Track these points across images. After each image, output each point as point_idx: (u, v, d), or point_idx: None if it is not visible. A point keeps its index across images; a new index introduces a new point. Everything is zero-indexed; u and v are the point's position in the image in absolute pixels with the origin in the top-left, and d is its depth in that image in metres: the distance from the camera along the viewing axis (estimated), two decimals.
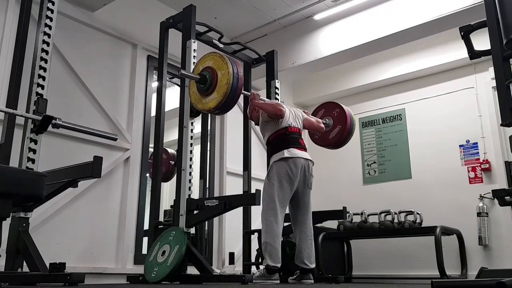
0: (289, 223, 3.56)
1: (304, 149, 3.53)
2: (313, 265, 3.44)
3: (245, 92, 3.64)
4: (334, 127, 4.11)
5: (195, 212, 3.34)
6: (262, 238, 3.32)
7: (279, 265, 3.25)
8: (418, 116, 5.38)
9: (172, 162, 4.78)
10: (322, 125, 3.87)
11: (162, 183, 4.30)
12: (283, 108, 3.52)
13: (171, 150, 4.83)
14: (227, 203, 3.14)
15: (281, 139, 3.47)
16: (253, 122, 4.85)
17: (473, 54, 2.32)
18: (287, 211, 3.46)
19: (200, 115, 3.92)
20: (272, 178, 3.38)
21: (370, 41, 4.59)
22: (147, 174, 4.26)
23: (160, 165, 3.89)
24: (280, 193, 3.35)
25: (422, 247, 4.80)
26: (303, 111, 3.88)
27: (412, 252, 4.97)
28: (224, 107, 3.09)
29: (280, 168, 3.37)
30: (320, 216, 4.16)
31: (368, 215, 4.95)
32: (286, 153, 3.38)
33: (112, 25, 4.17)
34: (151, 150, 4.19)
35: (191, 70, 3.37)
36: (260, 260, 4.13)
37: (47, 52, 2.92)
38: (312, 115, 4.20)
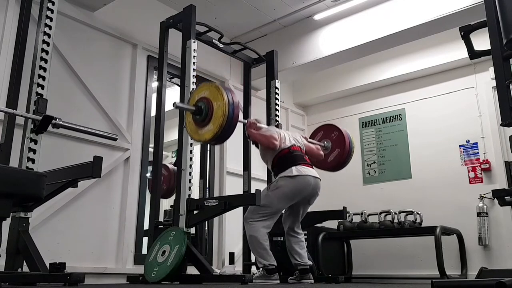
0: None
1: (312, 166, 3.49)
2: (309, 262, 3.49)
3: (242, 121, 3.55)
4: (332, 150, 4.08)
5: (195, 212, 3.33)
6: (250, 245, 3.36)
7: (274, 262, 3.26)
8: (418, 116, 5.38)
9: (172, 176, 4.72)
10: (322, 153, 3.81)
11: (161, 198, 4.31)
12: (276, 140, 3.39)
13: (172, 166, 4.79)
14: (227, 203, 3.14)
15: (286, 157, 3.41)
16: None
17: (473, 54, 2.33)
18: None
19: None
20: (273, 190, 3.34)
21: (370, 41, 4.59)
22: (147, 174, 4.26)
23: (160, 165, 3.90)
24: (277, 207, 3.35)
25: (422, 247, 4.80)
26: (302, 136, 3.83)
27: (412, 252, 4.97)
28: (220, 138, 3.04)
29: (285, 185, 3.31)
30: (320, 216, 4.16)
31: (368, 215, 4.96)
32: (294, 170, 3.32)
33: (112, 25, 4.17)
34: (151, 150, 4.18)
35: (189, 100, 3.30)
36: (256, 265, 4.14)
37: (47, 52, 2.91)
38: (310, 137, 4.21)
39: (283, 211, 3.54)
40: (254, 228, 3.30)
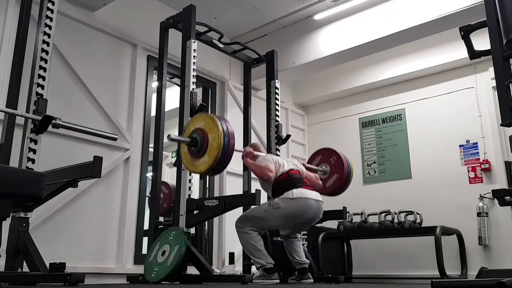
0: None
1: (313, 188, 3.44)
2: (307, 261, 3.50)
3: (238, 150, 3.47)
4: (331, 175, 4.05)
5: (195, 212, 3.34)
6: (243, 247, 3.37)
7: (272, 261, 3.27)
8: (418, 116, 5.38)
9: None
10: (320, 182, 3.74)
11: (161, 217, 4.27)
12: (271, 172, 3.32)
13: (172, 184, 4.71)
14: (227, 203, 3.15)
15: (285, 181, 3.35)
16: (253, 122, 4.88)
17: (473, 54, 2.33)
18: None
19: None
20: (273, 208, 3.28)
21: (370, 41, 4.58)
22: (148, 174, 4.26)
23: (160, 165, 3.90)
24: (271, 223, 3.34)
25: (422, 247, 4.80)
26: (301, 162, 3.81)
27: (412, 252, 4.97)
28: (215, 170, 3.02)
29: (286, 207, 3.26)
30: None
31: (368, 215, 4.96)
32: (295, 193, 3.27)
33: (112, 25, 4.16)
34: (151, 150, 4.18)
35: (184, 131, 3.25)
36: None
37: (47, 52, 2.91)
38: (309, 160, 4.20)
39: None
40: (245, 233, 3.31)
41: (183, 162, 3.20)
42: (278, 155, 4.16)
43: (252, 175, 4.42)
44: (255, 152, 3.52)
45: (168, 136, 3.02)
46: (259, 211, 3.31)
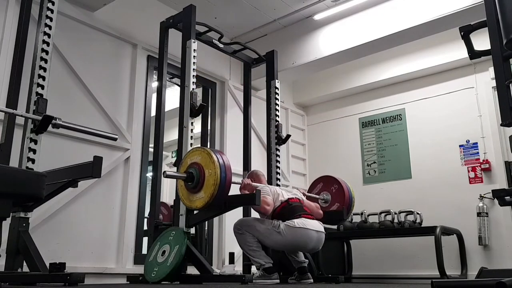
0: None
1: (313, 217, 3.40)
2: (306, 260, 3.52)
3: (236, 182, 3.45)
4: (332, 204, 4.05)
5: (195, 212, 3.33)
6: (241, 248, 3.38)
7: (270, 261, 3.28)
8: (418, 116, 5.38)
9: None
10: (321, 212, 3.69)
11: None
12: (269, 206, 3.29)
13: (171, 204, 4.66)
14: (227, 203, 3.14)
15: (285, 210, 3.32)
16: (253, 122, 4.88)
17: (473, 54, 2.32)
18: None
19: (200, 115, 3.91)
20: (275, 230, 3.24)
21: (370, 41, 4.58)
22: (148, 174, 4.26)
23: (160, 165, 3.89)
24: (268, 242, 3.32)
25: (422, 247, 4.80)
26: (301, 191, 3.78)
27: (412, 252, 4.97)
28: (212, 205, 3.01)
29: (287, 235, 3.22)
30: None
31: (368, 215, 4.95)
32: (297, 223, 3.23)
33: (112, 25, 4.16)
34: (151, 150, 4.18)
35: (180, 165, 3.25)
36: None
37: (47, 52, 2.91)
38: (309, 188, 4.21)
39: None
40: (243, 235, 3.32)
41: (179, 196, 3.19)
42: (279, 185, 4.13)
43: None
44: (253, 184, 3.48)
45: (164, 173, 3.01)
46: (260, 226, 3.29)
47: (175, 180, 3.26)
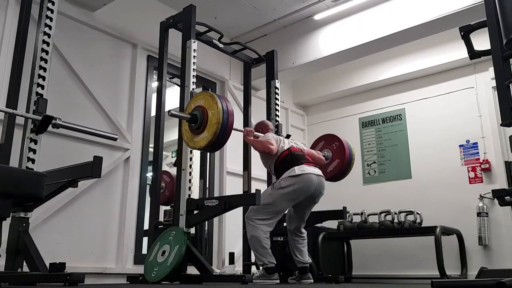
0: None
1: (315, 165, 3.48)
2: (309, 261, 3.50)
3: (239, 129, 3.57)
4: (332, 160, 4.07)
5: (195, 212, 3.34)
6: (250, 243, 3.37)
7: (274, 261, 3.27)
8: (418, 116, 5.38)
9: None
10: (322, 157, 3.80)
11: (163, 205, 4.30)
12: (272, 145, 3.41)
13: (174, 173, 4.76)
14: (227, 203, 3.14)
15: (287, 159, 3.42)
16: (253, 122, 4.86)
17: (473, 54, 2.33)
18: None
19: None
20: (276, 189, 3.33)
21: (370, 41, 4.59)
22: (148, 174, 4.26)
23: (160, 165, 3.90)
24: (280, 207, 3.36)
25: (422, 247, 4.80)
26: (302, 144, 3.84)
27: (412, 252, 4.97)
28: (215, 145, 3.06)
29: (289, 185, 3.31)
30: (320, 216, 4.16)
31: (368, 215, 4.96)
32: (297, 170, 3.32)
33: (112, 25, 4.16)
34: (151, 150, 4.18)
35: (185, 108, 3.32)
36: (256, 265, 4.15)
37: (47, 52, 2.91)
38: (312, 146, 4.21)
39: (286, 211, 3.55)
40: (255, 228, 3.31)
41: (184, 140, 3.27)
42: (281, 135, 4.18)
43: (252, 175, 4.43)
44: (256, 133, 3.61)
45: (169, 111, 3.09)
46: (264, 197, 3.32)
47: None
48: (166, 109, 4.01)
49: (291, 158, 3.42)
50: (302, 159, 3.43)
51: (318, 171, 3.43)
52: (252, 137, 3.55)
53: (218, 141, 3.02)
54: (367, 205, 5.13)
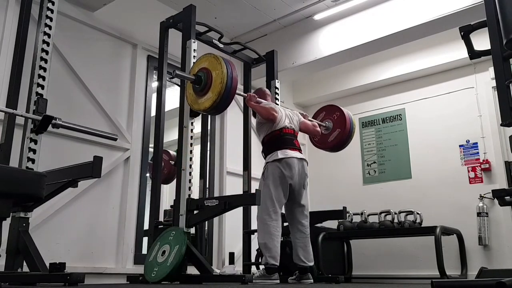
0: (287, 223, 3.58)
1: (298, 149, 3.53)
2: (311, 263, 3.45)
3: (240, 93, 3.65)
4: (333, 130, 4.13)
5: (195, 212, 3.33)
6: (259, 238, 3.36)
7: (277, 263, 3.26)
8: (418, 116, 5.39)
9: (173, 162, 4.79)
10: (318, 129, 3.87)
11: (162, 184, 4.30)
12: (276, 113, 3.51)
13: (173, 152, 4.84)
14: (227, 203, 3.14)
15: (275, 140, 3.48)
16: (253, 122, 4.87)
17: (473, 54, 2.33)
18: (282, 210, 3.47)
19: (200, 115, 3.92)
20: (267, 178, 3.42)
21: (370, 41, 4.59)
22: (147, 174, 4.26)
23: (160, 166, 3.89)
24: (275, 192, 3.38)
25: (422, 247, 4.80)
26: (302, 113, 3.87)
27: (412, 252, 4.97)
28: (219, 106, 3.10)
29: (274, 169, 3.39)
30: (320, 216, 4.16)
31: (368, 215, 4.95)
32: (279, 154, 3.40)
33: (112, 25, 4.17)
34: (151, 150, 4.18)
35: (189, 71, 3.37)
36: (259, 260, 4.14)
37: (47, 52, 2.92)
38: (313, 117, 4.21)
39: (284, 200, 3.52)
40: (265, 223, 3.31)
41: (188, 103, 3.32)
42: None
43: (252, 175, 4.43)
44: (258, 99, 3.64)
45: (174, 71, 3.11)
46: (262, 189, 3.36)
47: (175, 180, 3.26)
48: (166, 109, 4.02)
49: (279, 140, 3.47)
50: (288, 144, 3.47)
51: (300, 154, 3.49)
52: (255, 102, 3.58)
53: (223, 102, 3.06)
54: (367, 205, 5.13)
